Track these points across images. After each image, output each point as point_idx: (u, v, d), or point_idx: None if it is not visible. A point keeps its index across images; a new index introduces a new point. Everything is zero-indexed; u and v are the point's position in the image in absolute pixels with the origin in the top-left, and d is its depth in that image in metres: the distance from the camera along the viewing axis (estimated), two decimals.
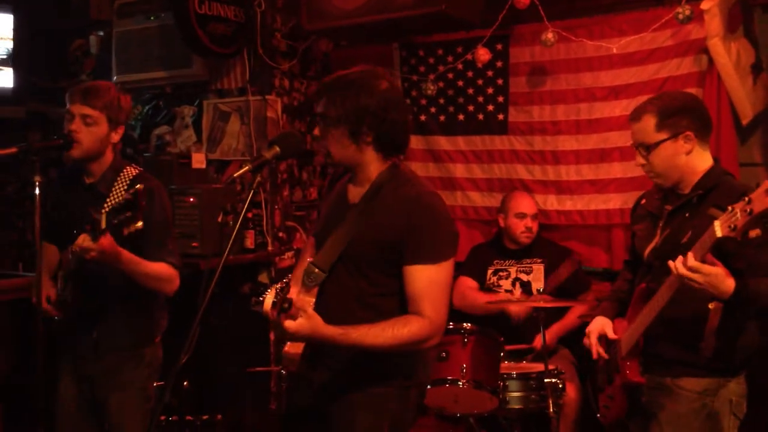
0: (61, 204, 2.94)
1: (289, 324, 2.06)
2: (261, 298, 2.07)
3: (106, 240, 2.52)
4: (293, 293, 2.12)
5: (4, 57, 4.86)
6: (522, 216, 4.09)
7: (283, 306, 2.04)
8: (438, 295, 2.21)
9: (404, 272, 2.21)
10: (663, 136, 2.55)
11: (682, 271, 2.28)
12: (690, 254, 2.29)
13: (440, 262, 2.21)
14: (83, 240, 2.51)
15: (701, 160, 2.59)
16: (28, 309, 2.85)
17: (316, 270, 2.27)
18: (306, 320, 2.08)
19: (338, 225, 2.30)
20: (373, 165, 2.30)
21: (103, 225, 2.46)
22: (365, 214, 2.27)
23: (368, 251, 2.25)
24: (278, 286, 2.06)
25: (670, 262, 2.34)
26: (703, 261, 2.27)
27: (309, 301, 2.24)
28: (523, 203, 4.13)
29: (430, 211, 2.23)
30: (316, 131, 2.31)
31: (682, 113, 2.56)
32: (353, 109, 2.21)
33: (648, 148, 2.58)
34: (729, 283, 2.28)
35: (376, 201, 2.27)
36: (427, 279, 2.19)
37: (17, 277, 3.76)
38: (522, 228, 4.09)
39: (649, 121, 2.57)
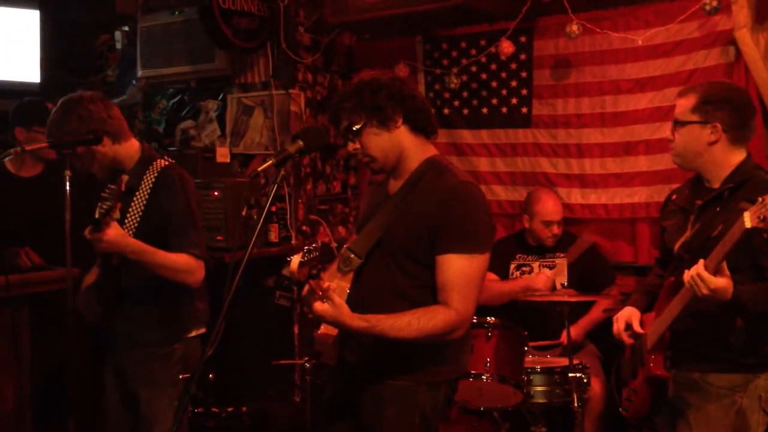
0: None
1: (316, 306, 2.08)
2: (288, 259, 2.04)
3: (110, 230, 2.56)
4: (329, 284, 2.12)
5: (31, 52, 4.92)
6: (548, 224, 4.04)
7: (312, 272, 2.03)
8: (468, 287, 2.21)
9: (436, 261, 2.21)
10: (694, 118, 2.58)
11: (690, 275, 2.34)
12: (701, 263, 2.33)
13: (473, 253, 2.20)
14: (87, 231, 2.57)
15: (728, 156, 2.57)
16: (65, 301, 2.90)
17: (352, 256, 2.30)
18: (332, 308, 2.09)
19: (376, 214, 2.33)
20: (412, 151, 2.32)
21: (96, 215, 2.51)
22: (403, 203, 2.29)
23: (404, 240, 2.26)
24: (306, 247, 2.05)
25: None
26: (717, 270, 2.31)
27: (343, 287, 2.25)
28: (550, 209, 4.04)
29: (467, 201, 2.23)
30: (350, 148, 2.33)
31: (721, 104, 2.56)
32: (372, 103, 2.25)
33: (677, 125, 2.63)
34: (729, 295, 2.34)
35: (414, 191, 2.29)
36: (458, 269, 2.19)
37: (52, 269, 3.80)
38: (548, 234, 4.05)
39: (690, 100, 2.60)
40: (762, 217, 2.14)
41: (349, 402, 2.38)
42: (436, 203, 2.22)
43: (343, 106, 2.31)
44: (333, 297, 2.09)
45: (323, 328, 2.27)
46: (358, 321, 2.13)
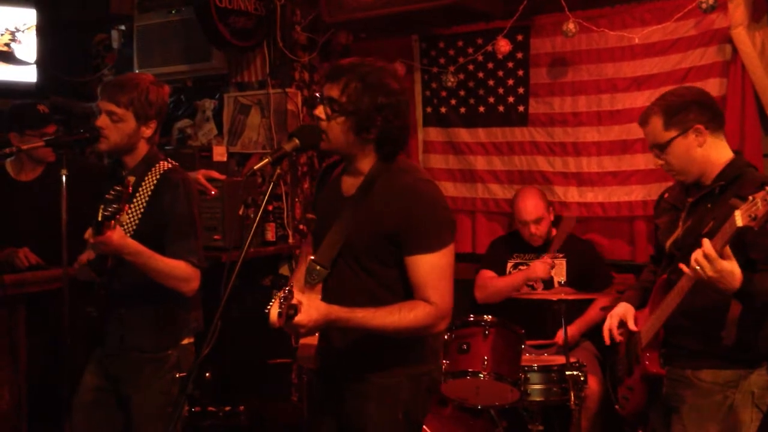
0: (100, 194, 2.94)
1: (295, 321, 2.06)
2: (266, 311, 2.03)
3: (112, 232, 2.47)
4: (297, 296, 2.09)
5: (28, 51, 4.92)
6: (524, 223, 4.04)
7: (289, 313, 2.04)
8: (442, 281, 2.23)
9: (406, 263, 2.23)
10: (672, 134, 2.57)
11: (696, 257, 2.27)
12: (708, 243, 2.27)
13: (441, 249, 2.22)
14: (89, 234, 2.50)
15: (718, 151, 2.58)
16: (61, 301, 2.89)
17: (318, 267, 2.28)
18: (307, 308, 2.07)
19: (335, 219, 2.30)
20: (368, 159, 2.30)
21: (99, 218, 2.43)
22: (361, 207, 2.27)
23: (366, 243, 2.26)
24: (281, 294, 2.03)
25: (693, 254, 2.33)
26: (721, 254, 2.26)
27: (314, 298, 2.24)
28: (525, 209, 4.03)
29: (426, 200, 2.24)
30: (319, 111, 2.26)
31: (687, 108, 2.57)
32: (367, 107, 2.20)
33: (661, 148, 2.60)
34: (737, 280, 2.28)
35: (371, 192, 2.27)
36: (429, 267, 2.21)
37: (48, 269, 3.80)
38: (527, 234, 4.06)
39: (657, 122, 2.60)
40: (753, 215, 2.14)
41: (332, 402, 2.38)
42: (395, 206, 2.22)
43: (347, 75, 2.22)
44: (301, 301, 2.07)
45: (301, 350, 2.27)
46: (336, 308, 2.13)
